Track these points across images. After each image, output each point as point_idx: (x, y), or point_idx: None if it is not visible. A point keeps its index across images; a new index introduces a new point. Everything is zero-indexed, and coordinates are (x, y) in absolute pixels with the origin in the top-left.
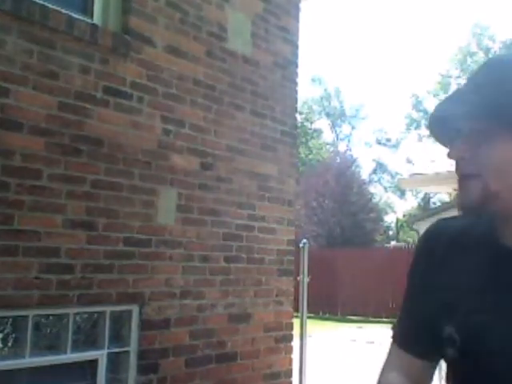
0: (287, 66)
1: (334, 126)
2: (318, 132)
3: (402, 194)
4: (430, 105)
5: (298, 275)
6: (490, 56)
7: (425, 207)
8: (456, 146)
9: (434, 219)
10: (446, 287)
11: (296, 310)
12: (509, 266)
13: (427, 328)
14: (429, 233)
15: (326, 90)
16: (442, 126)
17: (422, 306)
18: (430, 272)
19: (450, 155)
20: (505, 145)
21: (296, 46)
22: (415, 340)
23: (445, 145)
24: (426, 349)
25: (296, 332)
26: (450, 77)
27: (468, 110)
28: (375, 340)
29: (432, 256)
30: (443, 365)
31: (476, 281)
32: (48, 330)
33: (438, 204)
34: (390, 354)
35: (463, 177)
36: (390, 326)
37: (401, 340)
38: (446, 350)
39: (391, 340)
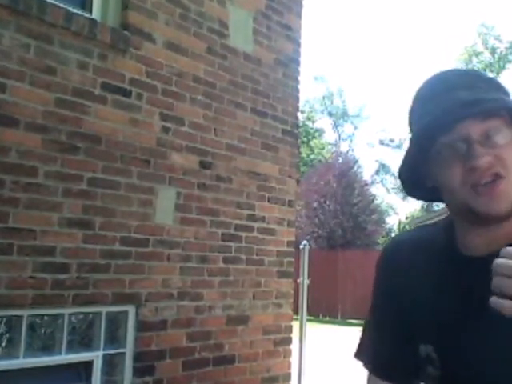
0: (289, 64)
1: (336, 125)
2: (320, 131)
3: (405, 195)
4: None
5: (298, 277)
6: (496, 56)
7: (427, 209)
8: (479, 150)
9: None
10: (412, 305)
11: (295, 312)
12: (472, 276)
13: (402, 351)
14: (387, 250)
15: (328, 88)
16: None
17: (390, 329)
18: (393, 291)
19: (474, 159)
20: None
21: (298, 44)
22: (394, 367)
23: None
24: (407, 374)
25: (295, 335)
26: None
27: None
28: None
29: (393, 273)
30: None
31: (442, 295)
32: (43, 331)
33: (441, 206)
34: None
35: (492, 181)
36: None
37: (379, 369)
38: (425, 368)
39: (366, 370)
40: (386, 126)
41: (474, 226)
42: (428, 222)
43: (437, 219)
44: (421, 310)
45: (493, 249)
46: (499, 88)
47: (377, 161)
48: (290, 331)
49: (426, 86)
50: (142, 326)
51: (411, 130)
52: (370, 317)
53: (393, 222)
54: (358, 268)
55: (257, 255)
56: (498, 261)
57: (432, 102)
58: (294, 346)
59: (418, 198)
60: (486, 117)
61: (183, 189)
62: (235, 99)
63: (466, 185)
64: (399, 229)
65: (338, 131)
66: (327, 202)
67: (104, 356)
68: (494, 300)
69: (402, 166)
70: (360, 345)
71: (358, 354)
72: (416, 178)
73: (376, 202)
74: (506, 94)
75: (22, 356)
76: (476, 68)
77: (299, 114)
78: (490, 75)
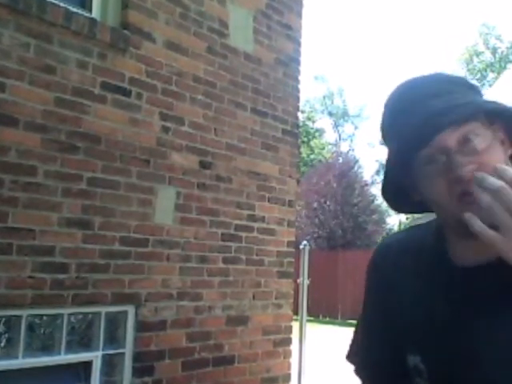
0: (289, 64)
1: (336, 125)
2: (320, 131)
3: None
4: None
5: (298, 277)
6: (497, 55)
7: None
8: (459, 159)
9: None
10: (400, 308)
11: (295, 313)
12: (460, 286)
13: (391, 359)
14: (377, 253)
15: (328, 88)
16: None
17: (380, 336)
18: (381, 294)
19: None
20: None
21: (299, 44)
22: (381, 371)
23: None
24: (394, 379)
25: (295, 335)
26: None
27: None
28: None
29: (382, 276)
30: None
31: (431, 304)
32: (42, 331)
33: None
34: None
35: None
36: None
37: (368, 372)
38: (413, 379)
39: (356, 375)
40: None
41: (463, 238)
42: (421, 222)
43: (431, 218)
44: (408, 313)
45: (481, 260)
46: (472, 88)
47: (377, 161)
48: (290, 332)
49: (395, 96)
50: (141, 326)
51: (387, 145)
52: (361, 320)
53: (393, 222)
54: (358, 268)
55: (257, 255)
56: (498, 183)
57: (405, 115)
58: (294, 347)
59: (407, 213)
60: (462, 122)
61: (183, 189)
62: (235, 99)
63: (453, 197)
64: (399, 229)
65: (338, 131)
66: (327, 202)
67: (103, 356)
68: (479, 226)
69: (384, 184)
70: (351, 347)
71: (349, 357)
72: (401, 193)
73: (376, 202)
74: (479, 93)
75: (21, 356)
76: (477, 68)
77: (299, 114)
78: (458, 74)
